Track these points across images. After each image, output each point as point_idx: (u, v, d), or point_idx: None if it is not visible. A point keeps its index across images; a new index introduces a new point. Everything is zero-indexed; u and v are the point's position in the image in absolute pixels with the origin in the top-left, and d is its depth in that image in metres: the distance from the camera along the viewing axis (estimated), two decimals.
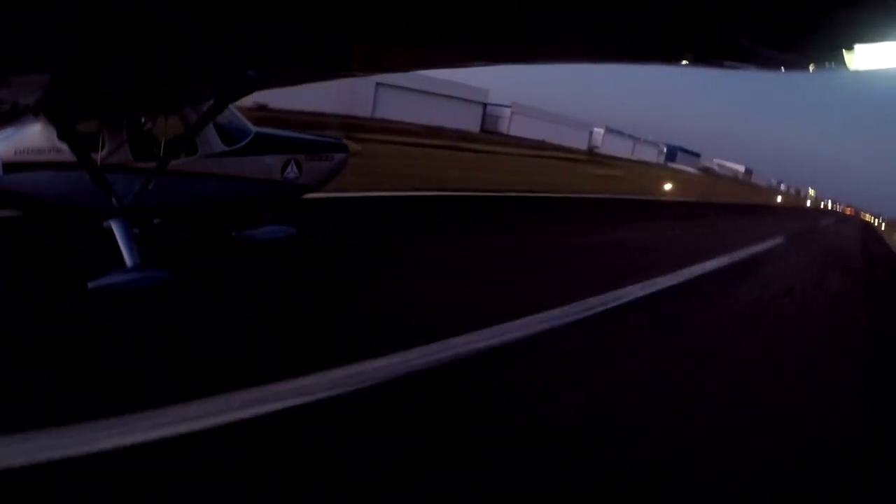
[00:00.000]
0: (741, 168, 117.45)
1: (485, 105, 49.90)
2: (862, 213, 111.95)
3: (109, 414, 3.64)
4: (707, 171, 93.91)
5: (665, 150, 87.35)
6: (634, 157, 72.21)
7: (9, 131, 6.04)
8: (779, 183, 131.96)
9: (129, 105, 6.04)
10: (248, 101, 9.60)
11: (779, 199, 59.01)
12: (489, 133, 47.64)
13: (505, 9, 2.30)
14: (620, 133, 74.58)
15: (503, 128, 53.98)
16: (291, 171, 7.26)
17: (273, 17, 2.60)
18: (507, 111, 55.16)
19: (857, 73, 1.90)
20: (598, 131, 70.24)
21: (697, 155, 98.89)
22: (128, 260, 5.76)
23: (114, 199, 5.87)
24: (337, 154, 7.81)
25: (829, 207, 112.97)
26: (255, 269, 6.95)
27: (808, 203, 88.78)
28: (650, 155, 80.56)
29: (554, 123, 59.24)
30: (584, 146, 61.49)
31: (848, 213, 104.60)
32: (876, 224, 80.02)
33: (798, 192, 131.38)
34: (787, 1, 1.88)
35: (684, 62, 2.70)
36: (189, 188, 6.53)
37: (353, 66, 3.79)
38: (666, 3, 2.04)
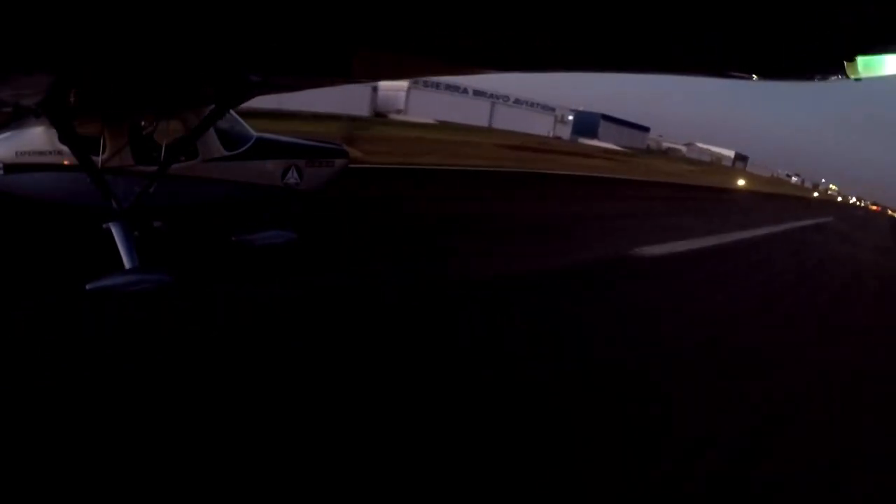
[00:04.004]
0: (728, 153, 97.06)
1: None
2: (889, 210, 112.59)
3: None
4: (666, 153, 75.82)
5: (572, 118, 62.61)
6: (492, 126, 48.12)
7: (10, 132, 6.05)
8: (788, 175, 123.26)
9: (131, 108, 6.05)
10: None
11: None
12: None
13: (509, 18, 2.29)
14: (456, 89, 45.97)
15: None
16: (292, 177, 7.26)
17: (275, 22, 2.60)
18: None
19: (858, 80, 1.91)
20: (394, 87, 41.88)
21: (644, 129, 75.69)
22: (126, 262, 5.74)
23: (114, 202, 5.86)
24: (338, 160, 7.82)
25: (858, 204, 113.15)
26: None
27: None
28: (541, 125, 56.14)
29: None
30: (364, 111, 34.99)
31: (874, 209, 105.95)
32: None
33: (816, 187, 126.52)
34: (788, 12, 1.88)
35: (686, 72, 2.70)
36: (189, 192, 6.53)
37: (354, 71, 3.79)
38: (669, 15, 2.04)
